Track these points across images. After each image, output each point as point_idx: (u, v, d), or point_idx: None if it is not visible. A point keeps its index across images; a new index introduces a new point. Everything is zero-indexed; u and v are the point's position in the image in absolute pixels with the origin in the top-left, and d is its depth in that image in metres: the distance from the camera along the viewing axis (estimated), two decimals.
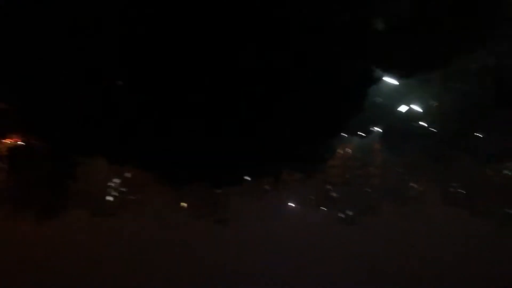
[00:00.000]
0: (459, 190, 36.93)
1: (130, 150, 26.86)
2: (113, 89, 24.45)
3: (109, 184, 35.77)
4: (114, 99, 24.33)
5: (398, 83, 29.34)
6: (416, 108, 31.94)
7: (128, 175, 36.33)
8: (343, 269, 36.51)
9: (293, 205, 38.02)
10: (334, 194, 37.12)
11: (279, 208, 40.03)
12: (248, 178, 32.43)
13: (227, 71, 21.97)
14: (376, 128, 33.25)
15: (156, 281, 37.03)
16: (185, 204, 38.24)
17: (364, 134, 32.97)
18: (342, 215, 37.38)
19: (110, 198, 35.78)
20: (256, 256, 39.69)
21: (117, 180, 36.35)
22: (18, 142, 31.15)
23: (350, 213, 37.03)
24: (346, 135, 32.48)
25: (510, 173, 36.33)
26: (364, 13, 22.47)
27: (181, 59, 21.80)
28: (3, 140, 30.60)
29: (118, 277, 37.48)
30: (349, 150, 36.29)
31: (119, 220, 36.49)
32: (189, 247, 38.09)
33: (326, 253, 38.15)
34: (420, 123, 32.26)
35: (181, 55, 21.57)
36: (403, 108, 31.70)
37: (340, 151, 35.53)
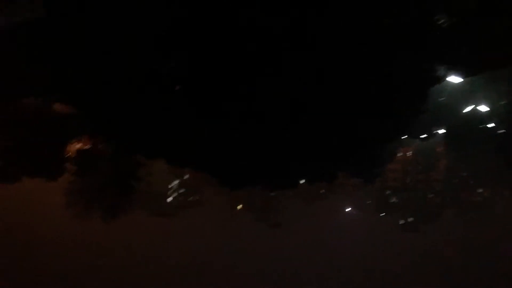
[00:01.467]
0: None
1: (189, 153, 27.62)
2: (174, 93, 25.30)
3: (169, 185, 37.26)
4: (174, 104, 25.16)
5: (462, 82, 27.57)
6: (483, 107, 29.83)
7: (187, 177, 37.66)
8: (405, 280, 34.83)
9: (350, 210, 37.15)
10: (394, 200, 35.65)
11: (335, 212, 39.24)
12: (303, 181, 32.16)
13: (287, 78, 21.94)
14: (439, 130, 31.49)
15: (213, 279, 37.84)
16: (240, 206, 38.85)
17: (426, 137, 31.33)
18: (402, 222, 35.91)
19: (170, 199, 37.26)
20: (309, 261, 39.20)
21: (176, 182, 37.84)
22: (86, 146, 33.37)
23: (411, 219, 35.44)
24: (407, 138, 31.15)
25: None
26: (427, 9, 21.41)
27: (244, 66, 22.08)
28: (72, 144, 32.92)
29: (177, 274, 38.76)
30: (410, 154, 34.73)
31: (179, 220, 37.81)
32: (245, 248, 38.56)
33: (384, 261, 36.66)
34: (487, 124, 30.19)
35: (244, 63, 21.84)
36: (468, 108, 29.82)
37: (400, 154, 34.14)
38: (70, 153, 32.69)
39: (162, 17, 20.90)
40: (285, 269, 39.05)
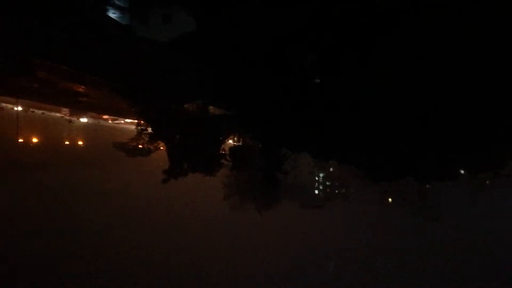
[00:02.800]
0: None
1: (334, 145, 27.38)
2: (316, 87, 25.37)
3: (315, 178, 37.75)
4: (317, 98, 25.23)
5: None
6: None
7: (332, 169, 37.59)
8: None
9: None
10: None
11: (500, 206, 33.98)
12: (463, 172, 28.80)
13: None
14: None
15: (361, 272, 36.88)
16: (390, 200, 36.86)
17: None
18: None
19: (316, 191, 37.77)
20: (469, 257, 34.71)
21: (321, 175, 38.13)
22: (238, 144, 36.25)
23: None
24: None
25: None
26: None
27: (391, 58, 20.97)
28: (227, 141, 36.11)
29: (322, 263, 39.00)
30: None
31: (326, 212, 38.08)
32: (398, 243, 36.42)
33: None
34: None
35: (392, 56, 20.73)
36: None
37: None
38: (225, 151, 35.83)
39: (304, 13, 21.13)
40: (444, 266, 35.53)
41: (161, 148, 36.87)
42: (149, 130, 35.64)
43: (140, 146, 37.14)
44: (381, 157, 25.43)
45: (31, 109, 40.69)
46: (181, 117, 33.27)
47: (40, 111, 42.01)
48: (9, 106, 38.16)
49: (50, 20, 22.66)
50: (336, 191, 38.49)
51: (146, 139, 36.30)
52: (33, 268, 38.68)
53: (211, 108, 33.78)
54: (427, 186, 33.49)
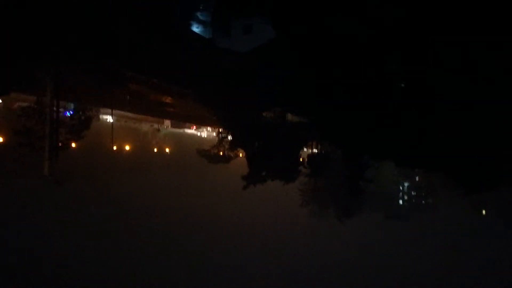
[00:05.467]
0: None
1: (419, 153, 25.95)
2: (397, 93, 24.35)
3: (400, 187, 35.94)
4: (399, 103, 24.19)
5: None
6: None
7: (418, 178, 35.47)
8: None
9: None
10: None
11: None
12: None
13: None
14: None
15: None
16: (484, 212, 33.81)
17: None
18: None
19: (400, 201, 35.90)
20: None
21: (406, 184, 36.17)
22: (314, 150, 35.96)
23: None
24: None
25: None
26: None
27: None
28: (304, 149, 36.00)
29: (406, 277, 36.76)
30: None
31: (411, 224, 35.89)
32: (496, 262, 33.07)
33: None
34: None
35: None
36: None
37: None
38: (303, 158, 35.75)
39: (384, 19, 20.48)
40: None
41: (241, 155, 37.91)
42: (229, 137, 36.92)
43: (220, 153, 38.57)
44: (477, 164, 23.48)
45: (124, 120, 44.66)
46: (260, 125, 33.92)
47: (132, 121, 45.76)
48: (104, 117, 41.99)
49: (144, 36, 24.55)
50: (423, 202, 36.29)
51: (227, 146, 37.63)
52: (130, 266, 42.11)
53: (289, 115, 34.00)
54: None
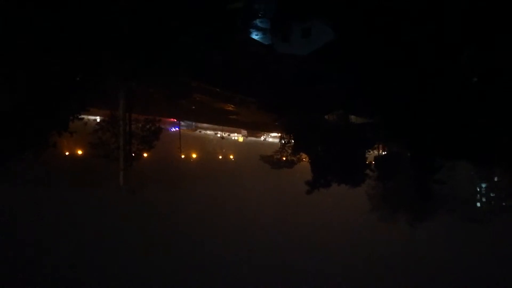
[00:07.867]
0: None
1: (500, 151, 24.21)
2: (468, 90, 22.99)
3: (477, 188, 33.42)
4: (469, 101, 22.83)
5: None
6: None
7: (497, 179, 32.71)
8: None
9: None
10: None
11: None
12: None
13: None
14: None
15: None
16: None
17: None
18: None
19: (478, 203, 33.31)
20: None
21: (484, 185, 33.48)
22: (382, 153, 34.67)
23: None
24: None
25: None
26: None
27: None
28: (371, 152, 34.81)
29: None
30: None
31: (490, 227, 33.10)
32: None
33: None
34: None
35: None
36: None
37: None
38: (370, 161, 34.57)
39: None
40: None
41: (304, 159, 37.60)
42: (292, 142, 36.77)
43: (283, 158, 38.53)
44: None
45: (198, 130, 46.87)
46: (322, 128, 33.45)
47: (198, 130, 47.48)
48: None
49: (206, 46, 25.38)
50: (503, 204, 33.57)
51: (289, 151, 37.51)
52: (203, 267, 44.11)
53: (352, 117, 33.15)
54: None
